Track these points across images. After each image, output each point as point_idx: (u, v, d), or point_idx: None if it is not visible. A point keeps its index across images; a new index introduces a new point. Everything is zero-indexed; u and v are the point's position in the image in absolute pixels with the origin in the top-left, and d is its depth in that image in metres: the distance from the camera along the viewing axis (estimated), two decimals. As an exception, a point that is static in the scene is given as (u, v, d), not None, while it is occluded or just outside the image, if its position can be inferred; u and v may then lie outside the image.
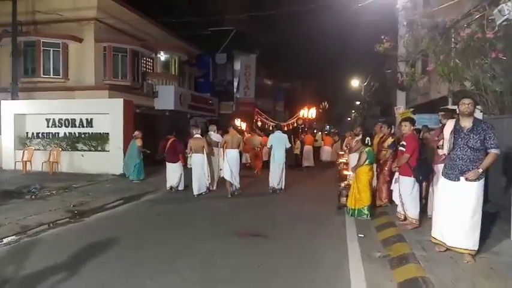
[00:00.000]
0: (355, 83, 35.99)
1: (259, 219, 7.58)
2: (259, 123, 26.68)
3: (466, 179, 4.44)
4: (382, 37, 10.83)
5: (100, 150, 13.95)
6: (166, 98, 19.34)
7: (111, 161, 13.37)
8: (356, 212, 7.31)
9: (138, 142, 11.96)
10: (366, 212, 7.24)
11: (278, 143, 10.50)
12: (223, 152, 10.19)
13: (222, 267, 4.81)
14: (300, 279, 4.48)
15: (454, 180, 4.55)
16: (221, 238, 6.12)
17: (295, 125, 26.51)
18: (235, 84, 28.29)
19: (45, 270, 4.70)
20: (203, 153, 9.88)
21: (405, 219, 6.38)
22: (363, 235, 6.18)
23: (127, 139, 13.08)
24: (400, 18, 12.25)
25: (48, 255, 5.30)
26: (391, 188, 7.29)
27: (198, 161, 9.87)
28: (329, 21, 21.57)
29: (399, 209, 6.60)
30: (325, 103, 48.34)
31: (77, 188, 10.52)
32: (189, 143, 10.01)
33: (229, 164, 9.77)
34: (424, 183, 6.66)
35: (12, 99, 14.83)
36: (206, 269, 4.75)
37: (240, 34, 25.90)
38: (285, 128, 22.65)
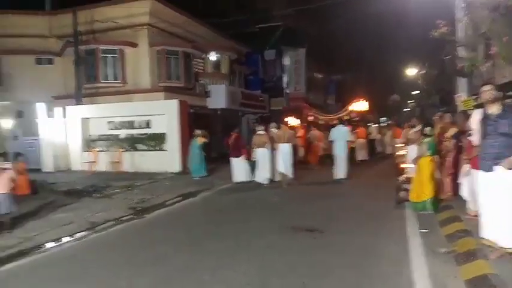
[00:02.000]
0: (410, 71, 34.33)
1: (315, 213, 7.53)
2: (311, 118, 26.19)
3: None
4: (438, 22, 10.28)
5: (158, 150, 14.56)
6: (218, 97, 19.70)
7: (169, 159, 13.92)
8: (418, 205, 6.99)
9: (199, 140, 12.46)
10: (429, 205, 6.88)
11: (339, 137, 11.28)
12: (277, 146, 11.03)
13: (279, 262, 4.82)
14: (358, 275, 4.37)
15: (490, 171, 4.29)
16: (278, 232, 6.13)
17: (343, 118, 25.57)
18: (285, 79, 28.13)
19: (111, 265, 5.00)
20: (265, 148, 10.72)
21: (476, 216, 5.96)
22: (425, 230, 5.91)
23: (183, 138, 13.53)
24: (457, 0, 11.55)
25: (113, 251, 5.63)
26: (459, 181, 6.72)
27: (260, 155, 10.80)
28: (379, 7, 20.71)
29: (470, 205, 6.10)
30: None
31: (139, 186, 11.06)
32: (253, 138, 11.06)
33: (282, 157, 10.63)
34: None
35: (76, 104, 15.91)
36: (263, 264, 4.79)
37: (288, 29, 25.71)
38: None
